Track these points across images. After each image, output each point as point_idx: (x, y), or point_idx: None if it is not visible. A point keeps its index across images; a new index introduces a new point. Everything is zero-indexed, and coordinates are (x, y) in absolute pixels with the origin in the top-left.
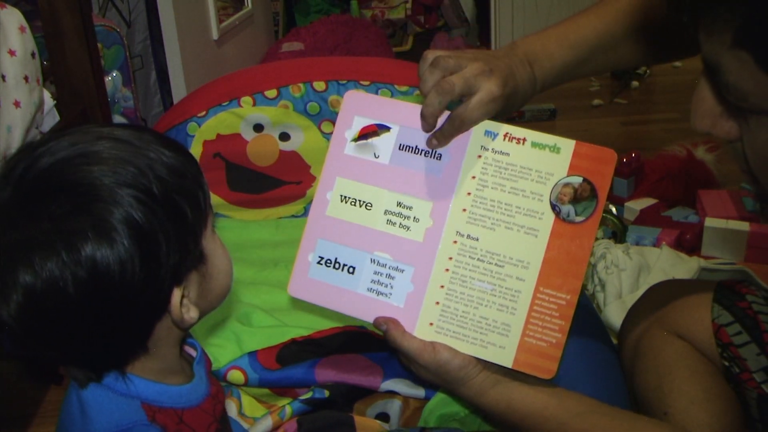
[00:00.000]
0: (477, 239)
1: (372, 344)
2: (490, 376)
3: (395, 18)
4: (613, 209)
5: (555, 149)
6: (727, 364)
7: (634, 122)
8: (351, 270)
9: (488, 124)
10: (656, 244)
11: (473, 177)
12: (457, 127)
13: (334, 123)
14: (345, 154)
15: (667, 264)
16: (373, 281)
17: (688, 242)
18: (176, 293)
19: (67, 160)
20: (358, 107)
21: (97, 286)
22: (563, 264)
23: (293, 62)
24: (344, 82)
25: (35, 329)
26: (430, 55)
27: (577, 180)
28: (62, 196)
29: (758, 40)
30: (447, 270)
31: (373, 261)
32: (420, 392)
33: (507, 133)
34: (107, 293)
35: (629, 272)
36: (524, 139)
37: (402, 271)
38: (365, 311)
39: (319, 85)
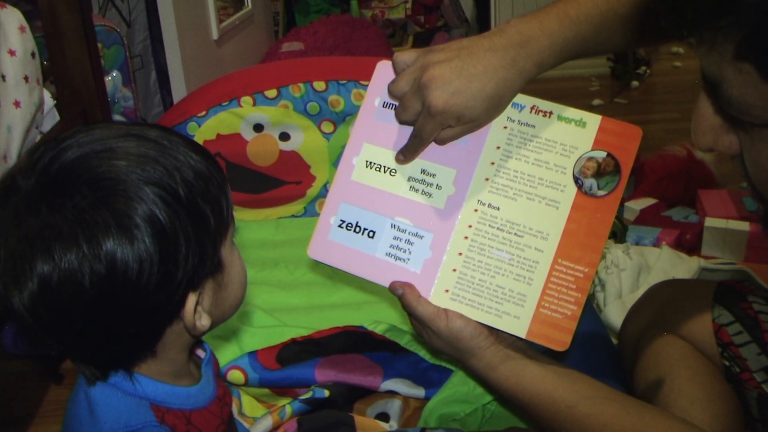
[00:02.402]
0: (498, 208)
1: (372, 344)
2: (502, 350)
3: (395, 18)
4: None
5: (581, 123)
6: (727, 363)
7: (634, 122)
8: (371, 234)
9: (516, 97)
10: (656, 244)
11: (498, 147)
12: (418, 143)
13: (334, 123)
14: (373, 121)
15: (667, 264)
16: (392, 246)
17: (688, 242)
18: (191, 299)
19: (94, 154)
20: (389, 77)
21: (113, 282)
22: (583, 237)
23: (293, 62)
24: (344, 82)
25: (45, 320)
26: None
27: (601, 154)
28: (86, 189)
29: (762, 52)
30: (466, 238)
31: (393, 226)
32: (420, 392)
33: (534, 105)
34: (123, 291)
35: (629, 272)
36: (550, 113)
37: (421, 237)
38: (382, 275)
39: (319, 85)
